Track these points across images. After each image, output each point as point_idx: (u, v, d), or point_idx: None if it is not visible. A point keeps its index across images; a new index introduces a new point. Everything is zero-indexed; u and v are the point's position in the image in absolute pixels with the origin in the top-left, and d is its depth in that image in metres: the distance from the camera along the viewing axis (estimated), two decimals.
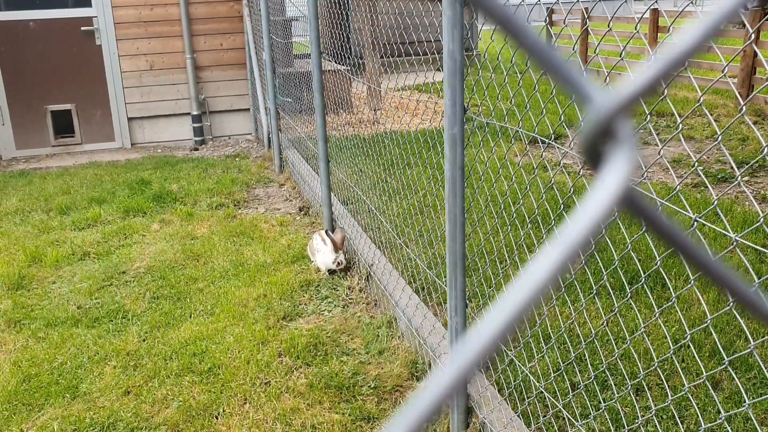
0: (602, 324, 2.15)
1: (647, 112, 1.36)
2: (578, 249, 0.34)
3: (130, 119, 7.83)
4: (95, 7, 7.42)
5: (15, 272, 4.22)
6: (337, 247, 4.02)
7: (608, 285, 2.32)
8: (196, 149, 7.76)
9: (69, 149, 7.73)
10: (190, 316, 3.65)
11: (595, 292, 2.01)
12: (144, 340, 3.42)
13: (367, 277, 3.88)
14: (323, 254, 4.05)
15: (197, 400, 2.89)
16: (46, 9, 7.33)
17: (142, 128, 7.93)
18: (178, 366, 3.15)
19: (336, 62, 5.37)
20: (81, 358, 3.27)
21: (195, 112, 7.84)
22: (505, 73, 2.33)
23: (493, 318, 0.34)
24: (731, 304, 1.23)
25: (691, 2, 1.44)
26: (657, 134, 7.13)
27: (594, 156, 0.36)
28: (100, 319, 3.65)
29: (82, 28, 7.44)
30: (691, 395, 2.71)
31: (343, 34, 4.69)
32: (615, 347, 2.38)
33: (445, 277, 2.62)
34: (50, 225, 5.16)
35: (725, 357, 1.35)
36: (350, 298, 3.81)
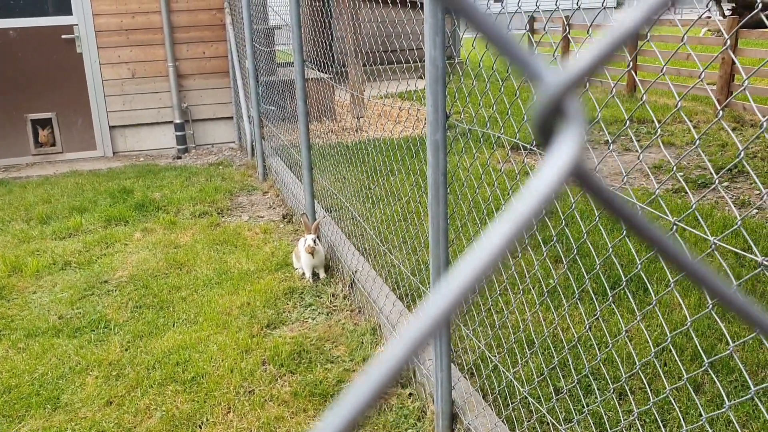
0: (585, 329, 2.16)
1: (627, 118, 1.37)
2: (530, 220, 0.36)
3: (111, 127, 7.77)
4: (76, 15, 7.38)
5: None
6: (309, 230, 4.04)
7: (591, 290, 2.34)
8: (179, 157, 7.72)
9: (49, 158, 7.67)
10: (174, 325, 3.63)
11: (577, 296, 2.02)
12: (126, 350, 3.39)
13: (351, 284, 3.87)
14: (306, 256, 4.04)
15: (180, 409, 2.87)
16: (26, 17, 7.27)
17: (124, 137, 7.88)
18: (161, 375, 3.12)
19: (319, 70, 5.37)
20: (62, 368, 3.23)
21: (178, 121, 7.81)
22: (486, 81, 2.35)
23: (456, 278, 0.36)
24: (710, 306, 1.25)
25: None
26: (638, 140, 7.20)
27: (545, 134, 0.38)
28: (82, 329, 3.62)
29: (63, 36, 7.39)
30: (674, 399, 2.73)
31: (326, 42, 4.70)
32: (598, 352, 2.40)
33: (429, 283, 2.62)
34: (30, 234, 5.11)
35: (705, 360, 1.37)
36: (334, 306, 3.80)
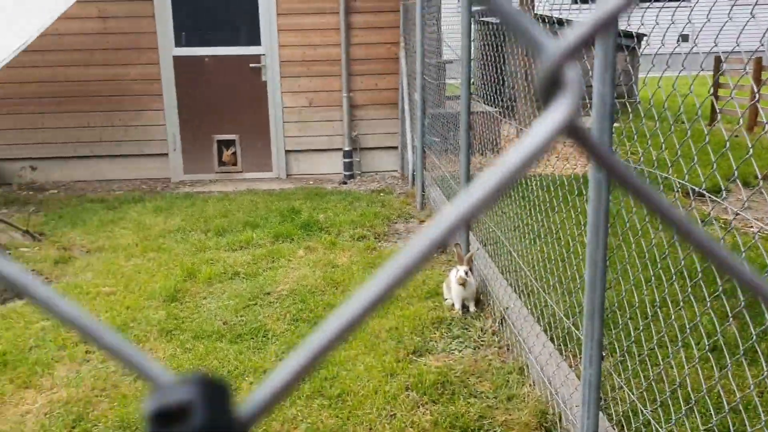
0: (749, 390, 1.99)
1: (760, 178, 1.26)
2: (517, 173, 0.39)
3: (287, 152, 8.26)
4: (264, 46, 7.96)
5: (172, 285, 4.55)
6: (461, 261, 4.03)
7: (760, 349, 2.15)
8: (345, 183, 8.04)
9: (230, 176, 8.28)
10: None
11: (742, 354, 1.87)
12: (281, 360, 3.56)
13: (501, 320, 3.82)
14: (457, 287, 4.04)
15: (325, 423, 2.96)
16: (220, 46, 7.95)
17: (298, 161, 8.34)
18: (309, 388, 3.25)
19: (488, 104, 5.41)
20: (222, 371, 3.46)
21: (347, 148, 8.14)
22: (656, 120, 2.25)
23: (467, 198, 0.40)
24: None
25: None
26: None
27: (546, 98, 0.41)
28: (243, 336, 3.85)
29: (251, 65, 8.00)
30: None
31: (498, 77, 4.73)
32: (763, 417, 2.19)
33: (581, 326, 2.53)
34: (207, 244, 5.54)
35: None
36: (482, 340, 3.76)
